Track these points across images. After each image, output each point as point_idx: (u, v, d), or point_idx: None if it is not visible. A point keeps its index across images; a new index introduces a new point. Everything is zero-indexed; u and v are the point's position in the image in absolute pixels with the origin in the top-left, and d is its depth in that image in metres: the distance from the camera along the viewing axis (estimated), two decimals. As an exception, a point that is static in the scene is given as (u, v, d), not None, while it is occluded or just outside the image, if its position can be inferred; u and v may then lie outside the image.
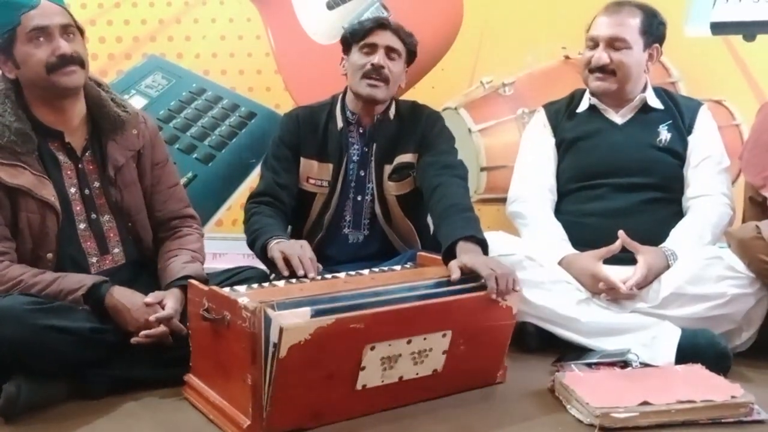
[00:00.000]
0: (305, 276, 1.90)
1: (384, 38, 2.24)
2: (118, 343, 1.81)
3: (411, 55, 2.32)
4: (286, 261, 1.94)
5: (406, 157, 2.32)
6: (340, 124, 2.32)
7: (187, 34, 2.93)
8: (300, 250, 1.96)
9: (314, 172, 2.32)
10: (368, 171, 2.33)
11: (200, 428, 1.68)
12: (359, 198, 2.35)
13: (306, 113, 2.36)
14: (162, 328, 1.81)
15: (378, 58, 2.21)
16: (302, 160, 2.32)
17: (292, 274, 1.91)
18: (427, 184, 2.22)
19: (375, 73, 2.21)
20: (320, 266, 1.97)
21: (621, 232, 2.13)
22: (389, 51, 2.24)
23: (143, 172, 2.04)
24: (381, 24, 2.25)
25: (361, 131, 2.33)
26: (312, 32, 2.93)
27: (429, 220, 2.35)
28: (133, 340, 1.79)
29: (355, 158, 2.33)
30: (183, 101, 2.95)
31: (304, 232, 2.36)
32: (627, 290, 2.07)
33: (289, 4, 2.93)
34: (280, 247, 1.99)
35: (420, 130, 2.32)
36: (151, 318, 1.80)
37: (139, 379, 1.83)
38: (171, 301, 1.86)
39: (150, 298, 1.85)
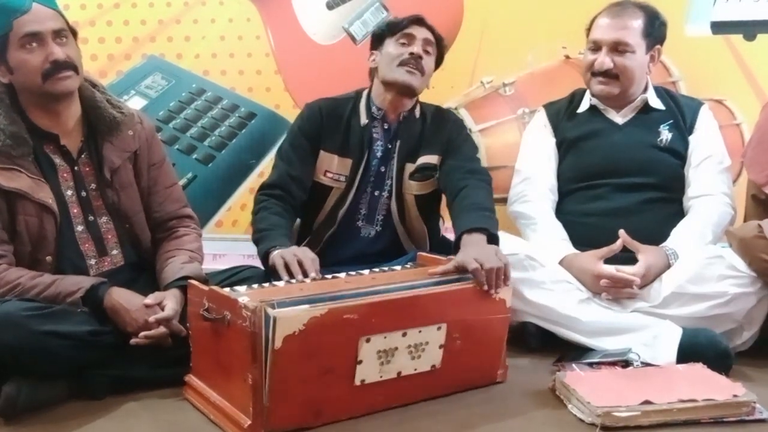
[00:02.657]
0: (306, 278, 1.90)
1: (421, 32, 2.28)
2: (118, 344, 1.80)
3: (440, 58, 2.35)
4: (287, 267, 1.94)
5: (431, 159, 2.33)
6: (364, 120, 2.31)
7: (187, 34, 2.93)
8: (301, 254, 1.96)
9: (333, 167, 2.31)
10: (389, 167, 2.33)
11: (201, 428, 1.68)
12: (376, 193, 2.34)
13: (329, 106, 2.34)
14: (161, 329, 1.81)
15: (416, 48, 2.24)
16: (321, 153, 2.31)
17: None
18: (452, 187, 2.23)
19: (413, 62, 2.23)
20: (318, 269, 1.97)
21: (622, 232, 2.13)
22: (426, 44, 2.27)
23: (140, 173, 2.04)
24: (419, 19, 2.30)
25: (386, 127, 2.33)
26: (312, 32, 2.93)
27: (440, 223, 2.39)
28: (133, 341, 1.78)
29: (378, 154, 2.33)
30: (182, 102, 2.95)
31: (316, 225, 2.35)
32: (631, 276, 2.07)
33: (289, 4, 2.92)
34: (282, 253, 1.98)
35: (446, 133, 2.34)
36: (151, 319, 1.80)
37: (139, 379, 1.83)
38: (171, 302, 1.85)
39: (150, 299, 1.84)
